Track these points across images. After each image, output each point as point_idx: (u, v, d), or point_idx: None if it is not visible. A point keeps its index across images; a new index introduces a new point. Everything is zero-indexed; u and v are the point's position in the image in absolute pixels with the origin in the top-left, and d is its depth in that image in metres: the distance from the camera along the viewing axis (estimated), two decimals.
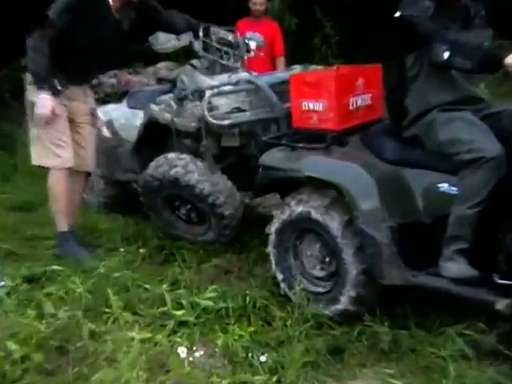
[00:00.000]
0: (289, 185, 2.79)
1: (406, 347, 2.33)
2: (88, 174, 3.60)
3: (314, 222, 2.64)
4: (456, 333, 2.26)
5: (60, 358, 2.36)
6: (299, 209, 2.71)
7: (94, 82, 3.61)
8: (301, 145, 2.77)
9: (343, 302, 2.61)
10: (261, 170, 2.86)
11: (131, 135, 3.69)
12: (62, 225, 3.29)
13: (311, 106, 2.75)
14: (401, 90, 2.57)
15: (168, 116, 3.38)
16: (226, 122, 3.14)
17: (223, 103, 3.24)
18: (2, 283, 2.90)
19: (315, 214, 2.64)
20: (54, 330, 2.45)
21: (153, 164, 3.32)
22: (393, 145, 2.59)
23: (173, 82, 3.66)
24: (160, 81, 3.88)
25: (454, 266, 2.26)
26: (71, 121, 3.26)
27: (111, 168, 3.86)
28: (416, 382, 2.11)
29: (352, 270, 2.55)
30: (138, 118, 3.65)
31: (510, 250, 2.16)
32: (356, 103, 2.76)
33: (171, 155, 3.32)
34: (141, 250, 3.31)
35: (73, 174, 3.27)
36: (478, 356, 2.19)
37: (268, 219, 2.89)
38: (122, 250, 3.32)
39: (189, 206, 3.42)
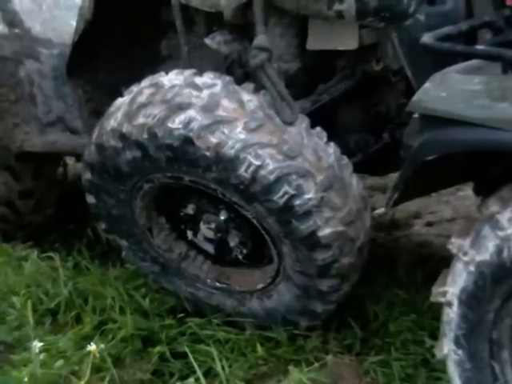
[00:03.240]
0: (494, 168, 2.74)
1: None
2: None
3: None
4: None
5: None
6: None
7: None
8: None
9: None
10: (416, 125, 2.70)
11: (59, 31, 3.68)
12: None
13: None
14: None
15: None
16: None
17: None
18: None
19: None
20: None
21: (122, 102, 3.26)
22: None
23: None
24: None
25: None
26: None
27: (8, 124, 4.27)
28: None
29: None
30: None
31: None
32: None
33: (171, 77, 3.23)
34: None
35: None
36: None
37: (439, 259, 3.00)
38: None
39: (222, 217, 3.40)
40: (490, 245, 2.54)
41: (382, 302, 3.50)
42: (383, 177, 3.76)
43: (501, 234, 2.51)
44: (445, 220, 3.89)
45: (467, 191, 3.36)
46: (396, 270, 3.61)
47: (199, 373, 3.35)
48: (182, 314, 3.76)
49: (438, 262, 2.98)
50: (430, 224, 4.00)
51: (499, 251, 2.51)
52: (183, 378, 3.40)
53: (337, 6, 3.10)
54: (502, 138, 2.47)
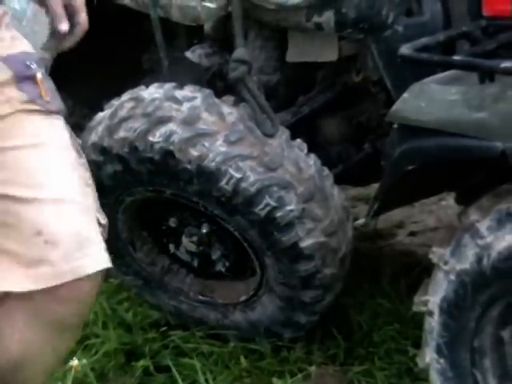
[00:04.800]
0: (473, 177, 2.78)
1: None
2: None
3: None
4: None
5: None
6: (506, 240, 2.47)
7: None
8: (507, 64, 2.48)
9: None
10: (396, 135, 2.70)
11: (36, 36, 3.57)
12: None
13: None
14: None
15: None
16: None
17: None
18: None
19: None
20: None
21: (103, 116, 3.26)
22: None
23: None
24: None
25: None
26: None
27: None
28: None
29: None
30: None
31: None
32: None
33: (152, 91, 3.23)
34: None
35: None
36: None
37: (421, 269, 2.97)
38: None
39: (204, 230, 3.38)
40: (470, 253, 2.53)
41: (366, 312, 3.51)
42: (366, 187, 3.78)
43: (480, 242, 2.51)
44: (428, 229, 3.91)
45: (450, 201, 3.40)
46: (380, 280, 3.62)
47: None
48: (165, 328, 3.71)
49: (421, 272, 2.97)
50: (413, 234, 4.02)
51: (479, 260, 2.51)
52: None
53: (316, 18, 3.13)
54: (480, 146, 2.49)
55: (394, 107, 2.70)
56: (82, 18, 2.42)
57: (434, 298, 2.69)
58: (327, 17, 3.13)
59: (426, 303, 2.73)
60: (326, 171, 3.20)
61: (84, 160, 2.43)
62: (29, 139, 2.29)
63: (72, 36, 2.45)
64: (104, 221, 2.43)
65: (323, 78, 3.43)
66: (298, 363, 3.37)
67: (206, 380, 3.29)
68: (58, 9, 2.39)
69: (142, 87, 3.29)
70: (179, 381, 3.32)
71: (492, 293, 2.59)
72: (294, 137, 3.19)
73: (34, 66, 2.34)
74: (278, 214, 3.06)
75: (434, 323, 2.71)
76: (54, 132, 2.36)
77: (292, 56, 3.28)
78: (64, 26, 2.38)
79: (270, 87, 3.30)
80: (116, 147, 3.18)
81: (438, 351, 2.75)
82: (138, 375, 3.51)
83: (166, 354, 3.52)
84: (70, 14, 2.41)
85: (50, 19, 2.79)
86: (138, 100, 3.20)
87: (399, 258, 3.79)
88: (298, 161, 3.14)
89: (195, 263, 3.48)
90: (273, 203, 3.04)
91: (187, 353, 3.53)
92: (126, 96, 3.27)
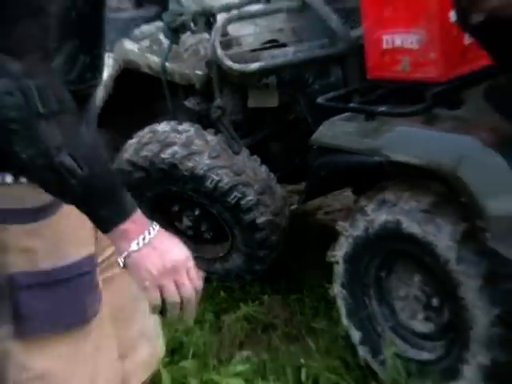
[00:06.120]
0: (364, 178, 2.78)
1: None
2: None
3: (408, 239, 2.52)
4: None
5: None
6: (382, 217, 2.59)
7: None
8: (382, 108, 2.62)
9: (468, 377, 2.41)
10: (315, 153, 2.80)
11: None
12: None
13: (399, 42, 2.60)
14: None
15: (155, 59, 3.30)
16: (255, 66, 2.98)
17: (248, 34, 3.19)
18: None
19: (409, 225, 2.49)
20: None
21: (132, 142, 3.26)
22: None
23: (161, 4, 3.53)
24: (140, 3, 3.75)
25: None
26: None
27: None
28: None
29: (479, 317, 2.35)
30: (105, 64, 3.42)
31: None
32: None
33: (163, 126, 3.24)
34: None
35: None
36: None
37: (331, 235, 2.85)
38: None
39: (196, 213, 3.37)
40: (361, 225, 2.66)
41: (301, 263, 3.54)
42: (297, 184, 3.77)
43: (367, 218, 2.64)
44: (336, 210, 3.93)
45: (349, 192, 3.42)
46: (308, 242, 3.64)
47: None
48: None
49: (333, 237, 2.93)
50: (327, 213, 4.03)
51: (366, 229, 2.64)
52: None
53: (264, 80, 3.22)
54: (366, 160, 2.58)
55: (314, 135, 2.82)
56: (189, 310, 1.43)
57: (339, 253, 2.80)
58: (271, 79, 3.22)
59: (335, 256, 2.84)
60: (272, 175, 3.27)
61: None
62: None
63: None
64: None
65: (270, 117, 3.47)
66: (256, 294, 3.43)
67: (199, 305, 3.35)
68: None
69: (157, 124, 3.34)
70: None
71: (374, 250, 2.71)
72: (252, 154, 3.27)
73: None
74: (242, 202, 3.15)
75: (339, 268, 2.83)
76: None
77: (251, 103, 3.32)
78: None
79: (237, 123, 3.35)
80: (140, 161, 3.25)
81: (342, 286, 2.85)
82: None
83: None
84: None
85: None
86: (154, 132, 3.27)
87: (319, 229, 3.84)
88: (254, 169, 3.22)
89: (191, 233, 3.52)
90: (239, 195, 3.12)
91: None
92: (146, 129, 3.33)
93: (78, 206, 1.45)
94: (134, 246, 1.36)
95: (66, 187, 1.32)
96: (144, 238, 1.38)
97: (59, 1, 1.36)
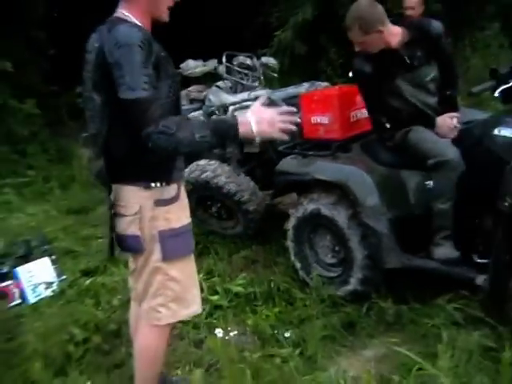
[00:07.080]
0: (302, 187, 2.83)
1: (406, 319, 2.41)
2: None
3: (324, 218, 2.68)
4: (446, 301, 2.33)
5: (115, 339, 2.49)
6: (311, 207, 2.75)
7: None
8: (311, 153, 2.82)
9: (353, 284, 2.65)
10: (278, 175, 2.91)
11: None
12: None
13: (319, 120, 2.79)
14: None
15: None
16: None
17: None
18: (63, 277, 3.03)
19: (325, 211, 2.68)
20: (109, 315, 2.61)
21: (186, 170, 3.28)
22: (386, 151, 2.63)
23: (202, 101, 3.67)
24: (192, 101, 3.85)
25: (441, 250, 2.36)
26: None
27: None
28: (416, 348, 2.16)
29: (358, 255, 2.60)
30: None
31: (485, 234, 2.24)
32: (356, 116, 2.80)
33: (202, 162, 3.33)
34: None
35: None
36: (465, 322, 2.27)
37: (287, 216, 2.92)
38: None
39: (219, 205, 3.44)
40: (300, 211, 2.84)
41: (270, 229, 3.48)
42: (269, 190, 3.41)
43: (303, 207, 2.84)
44: (288, 203, 3.63)
45: (294, 194, 3.18)
46: (275, 220, 3.50)
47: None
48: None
49: (287, 217, 2.95)
50: (284, 205, 3.81)
51: (303, 213, 2.83)
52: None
53: (248, 148, 3.34)
54: (304, 177, 2.79)
55: (277, 166, 2.93)
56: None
57: (290, 225, 2.93)
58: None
59: (288, 228, 2.93)
60: (256, 186, 3.35)
61: None
62: None
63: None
64: None
65: (255, 156, 3.54)
66: (250, 243, 3.43)
67: (215, 250, 3.31)
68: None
69: (199, 160, 3.36)
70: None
71: (307, 223, 2.86)
72: (246, 175, 3.37)
73: None
74: (242, 199, 3.28)
75: (289, 233, 2.92)
76: None
77: (245, 149, 3.54)
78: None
79: (238, 160, 3.48)
80: (191, 179, 3.33)
81: (291, 241, 2.96)
82: None
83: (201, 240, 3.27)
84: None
85: None
86: (197, 164, 3.37)
87: (281, 214, 3.53)
88: (245, 182, 3.33)
89: (216, 215, 3.54)
90: (240, 196, 3.27)
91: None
92: (194, 163, 3.37)
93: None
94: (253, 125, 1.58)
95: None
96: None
97: (163, 93, 1.65)
